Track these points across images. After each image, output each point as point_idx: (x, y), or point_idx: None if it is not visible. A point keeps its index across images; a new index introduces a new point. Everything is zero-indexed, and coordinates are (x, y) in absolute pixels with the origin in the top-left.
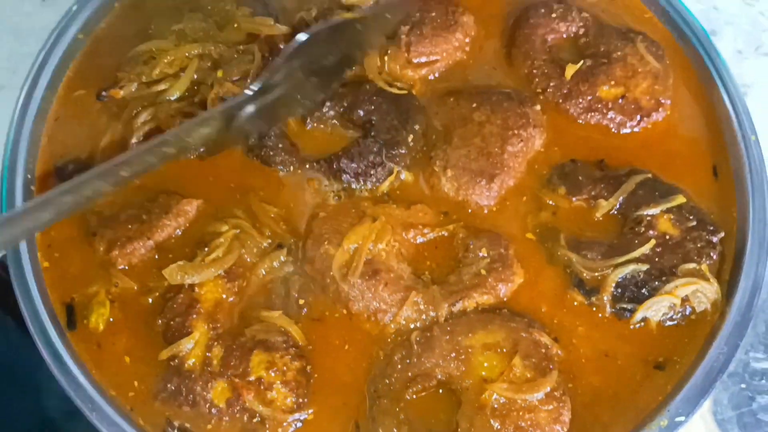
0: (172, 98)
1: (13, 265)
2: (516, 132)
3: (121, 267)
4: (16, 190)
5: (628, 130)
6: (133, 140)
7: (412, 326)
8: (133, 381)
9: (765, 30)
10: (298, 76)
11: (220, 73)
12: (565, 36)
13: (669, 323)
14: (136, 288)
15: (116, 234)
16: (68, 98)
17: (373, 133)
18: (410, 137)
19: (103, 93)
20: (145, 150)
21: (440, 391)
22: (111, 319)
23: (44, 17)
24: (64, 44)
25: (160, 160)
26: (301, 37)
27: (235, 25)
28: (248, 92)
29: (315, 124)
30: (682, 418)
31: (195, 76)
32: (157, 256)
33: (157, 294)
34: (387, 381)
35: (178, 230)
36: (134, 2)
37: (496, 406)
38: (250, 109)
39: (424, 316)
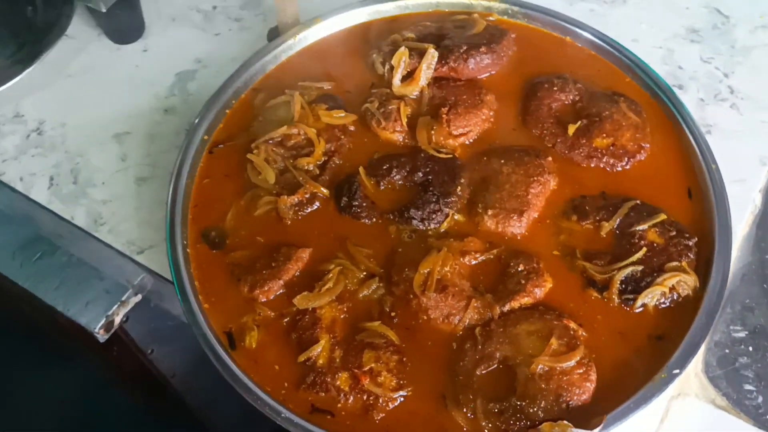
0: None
1: (186, 310)
2: (536, 178)
3: (262, 300)
4: (179, 257)
5: (620, 169)
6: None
7: (474, 324)
8: (283, 382)
9: (720, 81)
10: None
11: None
12: (565, 103)
13: (662, 306)
14: (273, 315)
15: (255, 278)
16: (201, 184)
17: (430, 189)
18: (458, 188)
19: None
20: None
21: (500, 367)
22: (259, 340)
23: (170, 125)
24: (195, 144)
25: None
26: None
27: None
28: None
29: (386, 186)
30: (677, 371)
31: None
32: (284, 291)
33: (289, 317)
34: (461, 363)
35: (297, 272)
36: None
37: (541, 373)
38: None
39: (482, 316)
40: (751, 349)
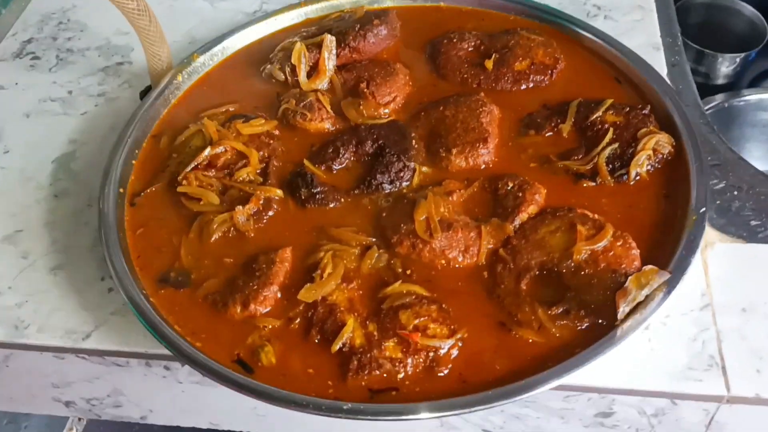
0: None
1: (180, 355)
2: (481, 109)
3: (262, 312)
4: (146, 308)
5: (548, 82)
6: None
7: (494, 248)
8: (327, 381)
9: (585, 2)
10: None
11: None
12: (469, 50)
13: (654, 169)
14: (280, 323)
15: (245, 294)
16: (136, 236)
17: (387, 150)
18: (413, 142)
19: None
20: None
21: (542, 273)
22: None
23: (66, 207)
24: (111, 199)
25: None
26: None
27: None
28: None
29: (339, 167)
30: (704, 208)
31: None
32: (282, 295)
33: (299, 318)
34: (502, 286)
35: (287, 272)
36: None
37: (585, 258)
38: None
39: (498, 239)
40: (736, 193)
